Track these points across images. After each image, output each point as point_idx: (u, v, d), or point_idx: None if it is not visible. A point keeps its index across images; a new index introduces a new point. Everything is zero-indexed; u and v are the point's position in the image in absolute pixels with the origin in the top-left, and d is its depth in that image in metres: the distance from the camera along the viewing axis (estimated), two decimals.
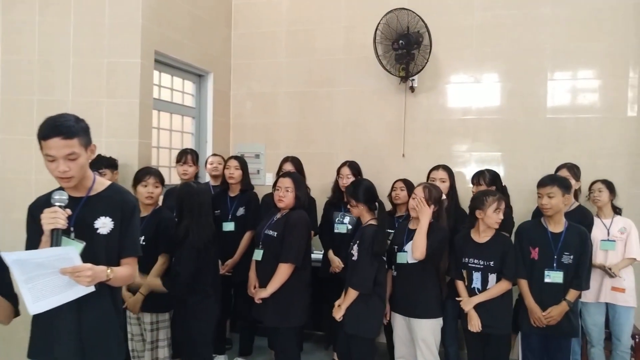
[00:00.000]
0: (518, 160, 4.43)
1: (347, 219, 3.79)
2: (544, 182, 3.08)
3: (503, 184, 3.76)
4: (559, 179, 3.11)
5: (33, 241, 1.90)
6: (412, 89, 4.59)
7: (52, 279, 1.77)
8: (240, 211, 3.84)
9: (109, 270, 1.87)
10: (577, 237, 3.04)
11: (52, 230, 1.79)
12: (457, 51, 4.55)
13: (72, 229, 1.91)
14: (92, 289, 1.83)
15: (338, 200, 3.96)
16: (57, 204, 1.83)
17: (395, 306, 3.18)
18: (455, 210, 3.64)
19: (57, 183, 1.97)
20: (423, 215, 2.99)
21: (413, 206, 3.08)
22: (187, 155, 3.82)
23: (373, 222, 3.15)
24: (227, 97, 5.17)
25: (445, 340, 3.61)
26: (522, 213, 3.82)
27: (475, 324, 3.01)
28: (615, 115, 4.21)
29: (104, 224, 1.96)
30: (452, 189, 3.76)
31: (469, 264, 3.09)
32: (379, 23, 4.31)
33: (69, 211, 1.86)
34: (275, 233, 3.11)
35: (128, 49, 3.85)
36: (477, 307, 3.04)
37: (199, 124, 4.85)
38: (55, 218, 1.78)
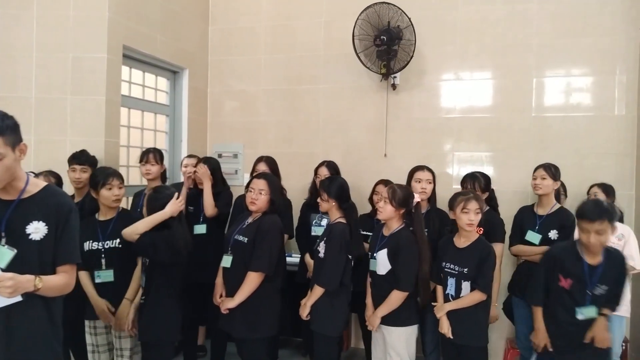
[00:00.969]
0: (502, 159, 4.30)
1: (324, 221, 3.63)
2: (591, 217, 2.57)
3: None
4: (608, 212, 2.59)
5: None
6: (393, 86, 4.45)
7: None
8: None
9: (37, 280, 1.71)
10: (615, 270, 2.69)
11: None
12: (440, 47, 4.41)
13: (2, 234, 1.76)
14: (18, 299, 1.68)
15: (315, 201, 3.80)
16: None
17: None
18: (435, 212, 3.50)
19: None
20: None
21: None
22: (148, 155, 3.65)
23: (342, 220, 3.09)
24: (204, 94, 5.00)
25: (425, 348, 3.50)
26: (506, 215, 3.68)
27: (445, 330, 2.88)
28: (602, 113, 4.08)
29: (36, 229, 1.81)
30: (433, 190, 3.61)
31: (446, 269, 2.95)
32: (358, 18, 4.15)
33: None
34: (246, 239, 2.93)
35: (94, 44, 3.68)
36: (451, 316, 2.90)
37: (173, 122, 4.67)
38: None
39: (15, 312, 1.75)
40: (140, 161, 3.70)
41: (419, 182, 3.47)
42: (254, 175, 3.34)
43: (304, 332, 4.01)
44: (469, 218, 2.84)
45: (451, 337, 2.88)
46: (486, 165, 4.32)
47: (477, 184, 3.50)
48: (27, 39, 3.62)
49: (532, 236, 3.44)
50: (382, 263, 2.92)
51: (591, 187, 3.69)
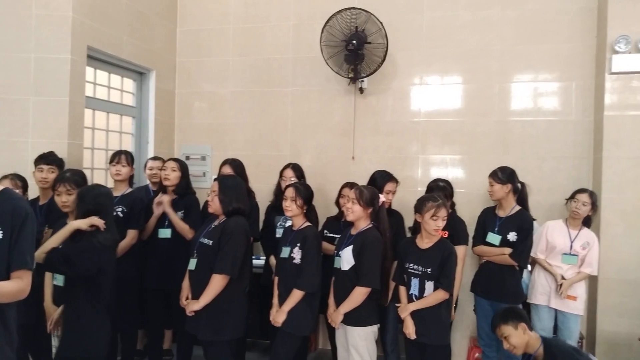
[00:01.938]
0: (466, 163, 4.40)
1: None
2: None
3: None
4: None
5: None
6: (361, 90, 4.50)
7: None
8: (178, 215, 3.64)
9: None
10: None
11: None
12: (406, 52, 4.49)
13: None
14: None
15: (280, 204, 3.82)
16: None
17: None
18: (391, 214, 3.63)
19: None
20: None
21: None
22: (120, 156, 3.61)
23: (308, 223, 3.16)
24: (171, 96, 4.96)
25: (386, 346, 3.57)
26: (471, 216, 3.78)
27: (410, 331, 2.94)
28: (561, 118, 4.22)
29: None
30: None
31: (409, 269, 3.02)
32: (326, 24, 4.19)
33: None
34: (211, 242, 2.93)
35: (57, 44, 3.63)
36: (414, 315, 2.96)
37: (139, 124, 4.62)
38: None
39: None
40: (111, 162, 3.66)
41: (389, 193, 3.56)
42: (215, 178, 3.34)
43: (272, 334, 4.02)
44: (437, 225, 2.93)
45: (415, 338, 2.94)
46: (451, 168, 4.42)
47: (447, 194, 3.62)
48: None
49: (493, 237, 3.54)
50: (346, 259, 2.98)
51: (579, 192, 3.65)
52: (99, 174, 4.20)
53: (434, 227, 2.92)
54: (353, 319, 2.96)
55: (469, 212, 3.85)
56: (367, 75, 4.34)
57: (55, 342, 2.98)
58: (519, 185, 3.60)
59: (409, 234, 3.71)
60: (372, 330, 3.00)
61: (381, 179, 3.59)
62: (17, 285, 1.81)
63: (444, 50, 4.44)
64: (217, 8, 4.95)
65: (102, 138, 4.27)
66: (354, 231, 3.07)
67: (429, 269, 2.93)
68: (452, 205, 3.80)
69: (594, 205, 3.63)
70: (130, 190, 3.71)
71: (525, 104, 4.31)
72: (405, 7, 4.50)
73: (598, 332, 3.89)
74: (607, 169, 3.90)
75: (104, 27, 3.98)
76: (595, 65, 4.11)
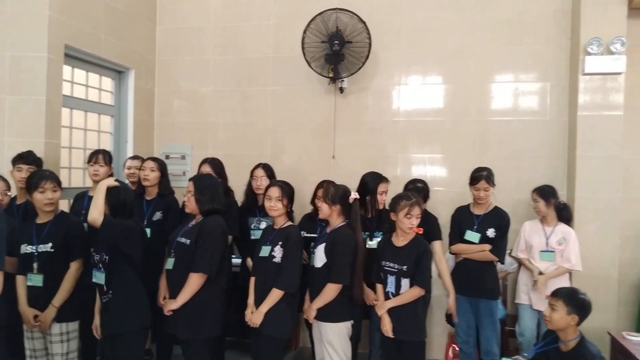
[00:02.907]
0: (445, 162, 4.46)
1: (263, 224, 3.65)
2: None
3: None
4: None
5: None
6: (341, 89, 4.53)
7: None
8: (157, 216, 3.62)
9: None
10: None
11: None
12: (386, 52, 4.52)
13: None
14: None
15: (252, 204, 3.82)
16: None
17: None
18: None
19: None
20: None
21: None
22: (97, 155, 3.58)
23: (290, 222, 3.18)
24: (151, 94, 4.93)
25: (372, 343, 3.60)
26: (450, 215, 3.82)
27: (387, 329, 2.98)
28: (537, 118, 4.30)
29: None
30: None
31: (385, 267, 3.05)
32: (308, 25, 4.21)
33: None
34: (188, 241, 2.93)
35: (34, 42, 3.59)
36: (390, 312, 3.00)
37: (118, 123, 4.59)
38: None
39: None
40: (89, 161, 3.63)
41: (382, 194, 3.56)
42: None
43: (253, 334, 4.01)
44: (411, 223, 2.97)
45: (392, 336, 2.98)
46: (430, 167, 4.47)
47: (422, 195, 3.67)
48: None
49: (472, 235, 3.59)
50: (319, 256, 3.02)
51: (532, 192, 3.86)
52: (77, 174, 4.15)
53: (408, 225, 2.97)
54: (326, 315, 3.00)
55: (448, 211, 3.89)
56: (348, 75, 4.37)
57: (27, 345, 2.98)
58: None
59: None
60: (345, 326, 3.03)
61: (373, 182, 3.56)
62: None
63: (424, 50, 4.49)
64: (196, 7, 4.94)
65: (80, 137, 4.23)
66: (328, 229, 3.11)
67: (405, 267, 2.97)
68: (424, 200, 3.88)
69: (546, 198, 3.73)
70: None
71: (503, 104, 4.38)
72: (385, 7, 4.53)
73: None
74: (580, 168, 3.99)
75: (82, 25, 3.95)
76: (570, 67, 4.19)
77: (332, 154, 4.62)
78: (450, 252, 3.74)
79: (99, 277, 2.87)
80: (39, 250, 2.91)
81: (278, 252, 3.01)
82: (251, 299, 3.09)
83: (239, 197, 3.98)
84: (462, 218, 3.68)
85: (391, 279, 3.02)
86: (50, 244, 2.92)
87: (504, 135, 4.34)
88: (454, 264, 3.73)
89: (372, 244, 3.40)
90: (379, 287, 3.11)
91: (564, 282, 3.63)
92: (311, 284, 3.11)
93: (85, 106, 4.23)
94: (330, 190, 3.03)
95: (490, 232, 3.54)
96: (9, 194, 3.35)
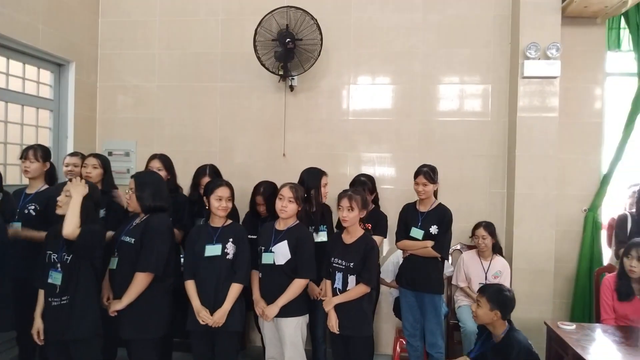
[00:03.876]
0: (392, 161, 4.56)
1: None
2: None
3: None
4: None
5: None
6: (291, 87, 4.53)
7: None
8: (100, 214, 3.49)
9: None
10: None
11: None
12: (335, 51, 4.56)
13: None
14: None
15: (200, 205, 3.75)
16: None
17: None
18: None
19: None
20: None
21: (278, 206, 3.11)
22: (28, 152, 3.42)
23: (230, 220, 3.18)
24: (93, 89, 4.74)
25: (316, 339, 3.63)
26: (398, 212, 3.86)
27: (332, 324, 3.02)
28: (478, 119, 4.46)
29: None
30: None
31: (334, 264, 3.10)
32: (260, 22, 4.18)
33: None
34: (133, 240, 2.84)
35: None
36: (337, 308, 3.04)
37: (58, 118, 4.38)
38: None
39: None
40: (20, 157, 3.46)
41: (324, 186, 3.66)
42: None
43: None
44: (342, 215, 3.05)
45: (338, 332, 3.03)
46: (378, 165, 4.55)
47: (366, 188, 3.79)
48: None
49: (416, 232, 3.67)
50: (282, 253, 3.04)
51: (477, 227, 4.08)
52: (13, 170, 3.94)
53: (340, 217, 3.07)
54: (286, 310, 3.04)
55: (396, 208, 3.97)
56: (299, 74, 4.38)
57: None
58: None
59: None
60: (304, 320, 3.12)
61: (316, 177, 3.62)
62: None
63: (371, 51, 4.57)
64: (140, 0, 4.79)
65: (16, 132, 4.01)
66: (281, 227, 3.13)
67: (352, 263, 3.02)
68: (376, 200, 4.00)
69: (493, 234, 4.03)
70: (46, 187, 3.51)
71: (447, 105, 4.52)
72: (333, 7, 4.57)
73: (512, 319, 4.14)
74: (519, 166, 4.18)
75: (18, 14, 3.74)
76: (510, 70, 4.39)
77: (283, 152, 4.61)
78: (397, 248, 3.83)
79: (55, 278, 2.74)
80: None
81: (231, 249, 3.02)
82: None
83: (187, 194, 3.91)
84: (408, 215, 3.76)
85: (339, 275, 3.07)
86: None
87: (449, 135, 4.48)
88: (402, 260, 3.82)
89: (320, 238, 3.49)
90: (328, 283, 3.15)
91: None
92: (268, 282, 3.11)
93: (22, 100, 4.01)
94: (300, 192, 3.13)
95: (433, 229, 3.62)
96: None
